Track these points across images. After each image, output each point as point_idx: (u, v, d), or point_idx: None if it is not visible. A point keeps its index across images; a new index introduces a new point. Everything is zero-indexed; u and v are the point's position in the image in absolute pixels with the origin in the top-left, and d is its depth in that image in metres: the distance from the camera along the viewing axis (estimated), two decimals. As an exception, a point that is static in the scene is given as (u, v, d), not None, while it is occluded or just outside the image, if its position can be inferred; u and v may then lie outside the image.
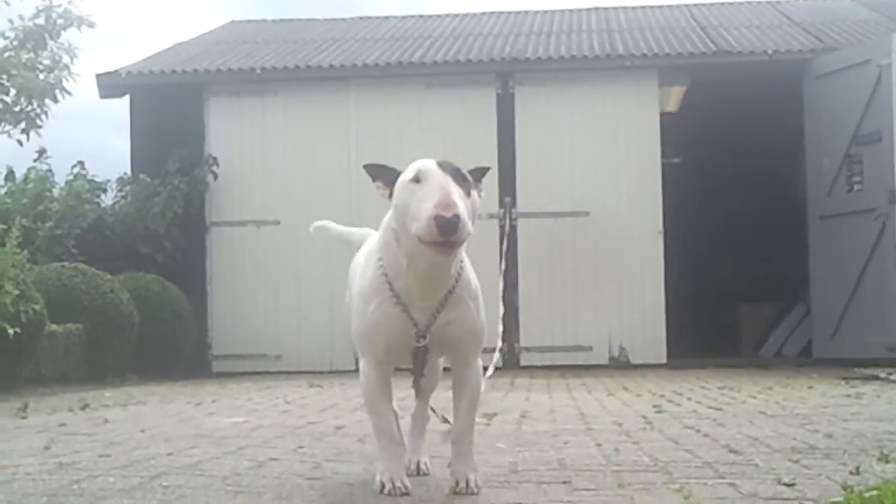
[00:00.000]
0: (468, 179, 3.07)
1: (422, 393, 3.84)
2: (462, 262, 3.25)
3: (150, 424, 5.70)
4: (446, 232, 2.88)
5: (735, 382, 9.08)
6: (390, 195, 3.16)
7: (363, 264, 3.37)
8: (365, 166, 3.27)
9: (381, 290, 3.22)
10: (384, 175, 3.21)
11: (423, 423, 3.89)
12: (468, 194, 3.03)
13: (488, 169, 3.36)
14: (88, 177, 12.92)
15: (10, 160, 14.45)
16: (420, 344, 3.23)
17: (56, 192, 12.77)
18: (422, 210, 2.93)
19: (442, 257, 3.02)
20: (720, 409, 6.37)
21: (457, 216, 2.87)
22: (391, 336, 3.24)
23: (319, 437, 4.98)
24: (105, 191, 12.98)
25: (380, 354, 3.29)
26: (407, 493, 3.27)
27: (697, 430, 5.14)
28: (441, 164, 3.05)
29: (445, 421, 3.81)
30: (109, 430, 5.44)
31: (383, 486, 3.29)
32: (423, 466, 3.76)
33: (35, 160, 13.00)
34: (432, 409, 3.93)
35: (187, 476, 3.68)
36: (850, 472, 3.66)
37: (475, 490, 3.31)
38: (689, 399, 7.29)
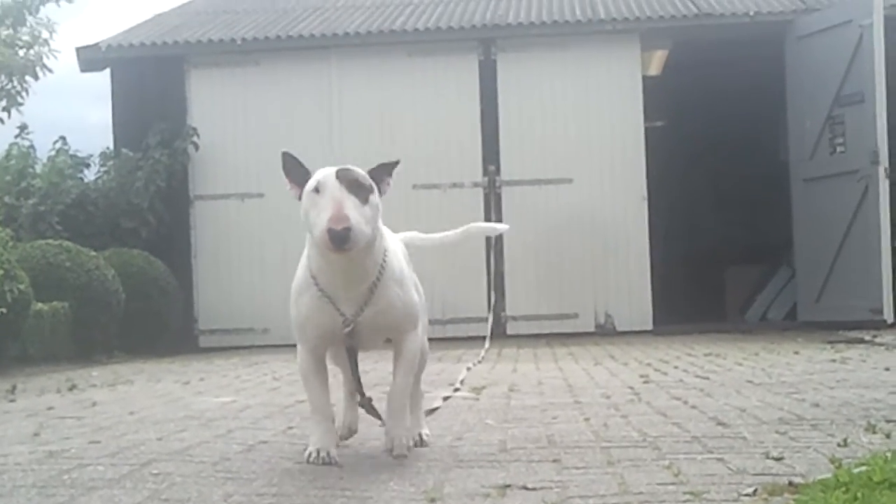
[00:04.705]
0: (365, 186, 3.30)
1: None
2: (385, 251, 3.49)
3: (138, 406, 5.69)
4: (338, 243, 3.17)
5: (721, 349, 9.12)
6: (299, 197, 3.38)
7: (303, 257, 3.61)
8: (283, 154, 3.46)
9: (308, 285, 3.49)
10: (296, 173, 3.43)
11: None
12: (365, 201, 3.26)
13: (397, 163, 3.52)
14: (70, 152, 12.86)
15: (-10, 136, 14.34)
16: (346, 331, 3.47)
17: (38, 168, 12.70)
18: (319, 221, 3.22)
19: (341, 256, 3.27)
20: (707, 378, 6.39)
21: (347, 229, 3.16)
22: (320, 326, 3.51)
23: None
24: (88, 166, 12.93)
25: (313, 342, 3.57)
26: (334, 464, 3.50)
27: (685, 402, 5.15)
28: (339, 175, 3.29)
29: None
30: (98, 412, 5.43)
31: (310, 456, 3.55)
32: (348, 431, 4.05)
33: (16, 136, 12.94)
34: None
35: (177, 462, 3.67)
36: (838, 445, 3.68)
37: (405, 452, 3.57)
38: (676, 367, 7.32)
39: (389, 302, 3.50)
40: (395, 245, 3.66)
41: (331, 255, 3.27)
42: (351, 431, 4.04)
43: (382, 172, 3.44)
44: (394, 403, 3.62)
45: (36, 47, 11.36)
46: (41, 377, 8.23)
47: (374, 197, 3.33)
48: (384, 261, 3.47)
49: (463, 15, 13.62)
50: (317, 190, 3.28)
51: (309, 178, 3.37)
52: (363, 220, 3.23)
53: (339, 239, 3.16)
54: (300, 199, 3.37)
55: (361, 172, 3.35)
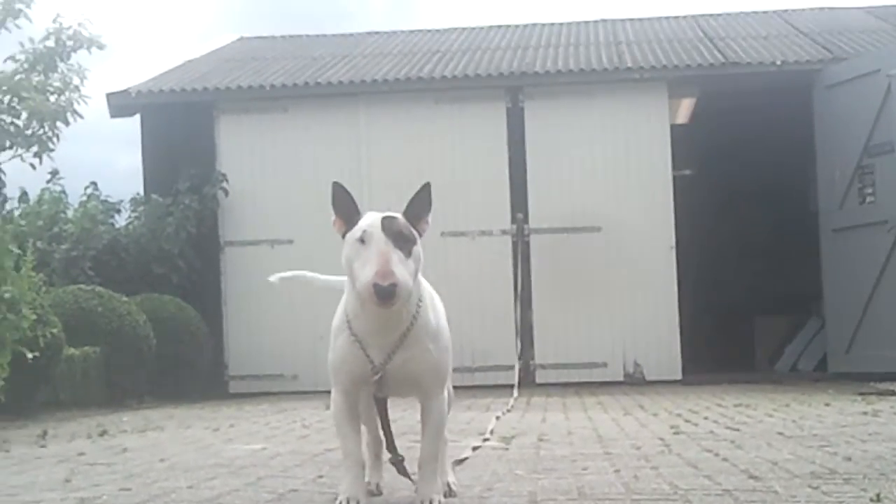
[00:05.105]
0: (410, 238, 3.32)
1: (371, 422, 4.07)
2: (420, 302, 3.48)
3: (168, 453, 5.71)
4: (384, 298, 3.18)
5: (751, 399, 9.05)
6: (344, 234, 3.38)
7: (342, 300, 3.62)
8: (333, 184, 3.46)
9: (343, 328, 3.51)
10: (344, 207, 3.43)
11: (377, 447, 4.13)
12: (409, 254, 3.28)
13: (428, 186, 3.51)
14: (101, 197, 12.97)
15: (22, 180, 14.49)
16: (374, 379, 3.46)
17: (70, 213, 12.81)
18: (364, 273, 3.22)
19: (382, 310, 3.28)
20: (737, 430, 6.35)
21: (393, 285, 3.16)
22: (352, 370, 3.51)
23: (338, 465, 4.97)
24: (119, 211, 13.03)
25: (346, 385, 3.57)
26: None
27: (716, 454, 5.12)
28: (385, 226, 3.28)
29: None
30: (128, 459, 5.45)
31: None
32: (376, 488, 4.03)
33: (48, 181, 13.05)
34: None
35: (209, 512, 3.69)
36: (871, 500, 3.64)
37: None
38: (706, 418, 7.28)
39: (419, 353, 3.48)
40: (430, 295, 3.63)
41: (372, 307, 3.27)
42: (375, 493, 3.99)
43: (420, 210, 3.44)
44: (425, 469, 3.61)
45: (67, 93, 11.44)
46: (72, 422, 8.27)
47: (417, 248, 3.34)
48: (417, 311, 3.46)
49: (490, 63, 13.72)
50: (362, 240, 3.28)
51: (356, 213, 3.38)
52: (408, 275, 3.24)
53: (385, 295, 3.16)
54: (343, 236, 3.36)
55: (405, 222, 3.34)
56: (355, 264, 3.27)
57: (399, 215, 3.37)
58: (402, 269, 3.21)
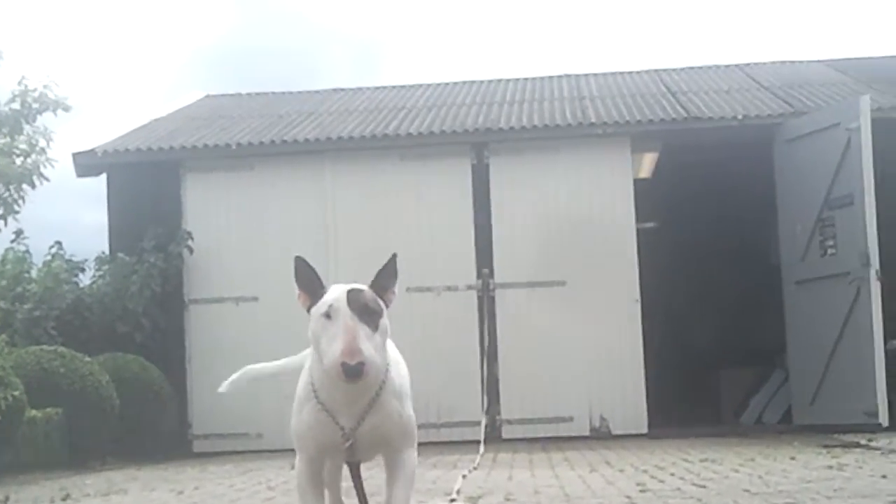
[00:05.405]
0: (376, 311, 3.30)
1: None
2: (388, 365, 3.47)
3: (133, 519, 5.66)
4: (352, 376, 3.16)
5: (717, 454, 9.04)
6: (308, 308, 3.38)
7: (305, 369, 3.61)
8: (296, 259, 3.45)
9: (309, 397, 3.49)
10: (307, 282, 3.41)
11: None
12: (376, 328, 3.27)
13: (395, 258, 3.51)
14: (66, 256, 12.90)
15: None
16: (346, 446, 3.45)
17: (34, 272, 12.73)
18: (331, 350, 3.21)
19: (350, 386, 3.25)
20: (704, 487, 6.34)
21: (361, 363, 3.15)
22: (320, 439, 3.50)
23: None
24: (83, 270, 12.95)
25: (312, 453, 3.57)
26: None
27: (682, 512, 5.13)
28: (351, 300, 3.26)
29: None
30: (92, 526, 5.39)
31: None
32: None
33: (12, 241, 13.00)
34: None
35: (173, 582, 3.65)
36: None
37: None
38: (672, 474, 7.27)
39: (387, 414, 3.47)
40: (395, 356, 3.64)
41: (339, 382, 3.24)
42: None
43: (387, 281, 3.43)
44: None
45: (34, 156, 11.44)
46: (34, 486, 8.16)
47: (384, 321, 3.33)
48: (385, 374, 3.45)
49: (455, 119, 13.80)
50: (328, 315, 3.25)
51: (320, 287, 3.37)
52: (374, 350, 3.22)
53: (353, 373, 3.15)
54: (309, 310, 3.35)
55: (371, 295, 3.33)
56: (322, 340, 3.26)
57: (365, 287, 3.36)
58: (368, 346, 3.19)
